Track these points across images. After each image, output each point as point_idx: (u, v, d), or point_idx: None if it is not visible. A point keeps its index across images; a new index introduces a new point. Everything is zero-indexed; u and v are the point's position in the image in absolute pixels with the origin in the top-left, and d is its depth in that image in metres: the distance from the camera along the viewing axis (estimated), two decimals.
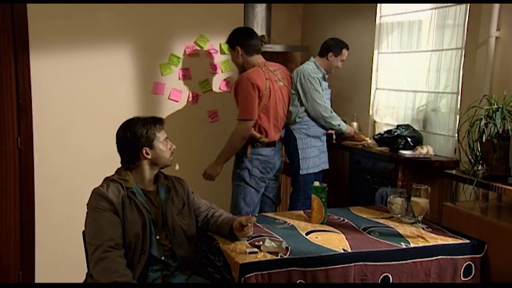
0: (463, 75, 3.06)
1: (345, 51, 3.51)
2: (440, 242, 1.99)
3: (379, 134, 3.55)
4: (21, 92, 2.73)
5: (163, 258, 1.93)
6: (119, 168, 2.01)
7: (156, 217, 1.96)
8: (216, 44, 3.14)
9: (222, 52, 3.16)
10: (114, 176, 1.98)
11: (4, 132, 2.73)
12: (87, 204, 1.90)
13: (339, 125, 3.49)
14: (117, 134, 1.99)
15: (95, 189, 1.91)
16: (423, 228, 2.14)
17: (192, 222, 2.05)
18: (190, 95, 3.10)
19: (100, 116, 2.89)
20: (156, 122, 2.00)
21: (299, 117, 3.39)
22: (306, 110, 3.39)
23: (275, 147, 3.01)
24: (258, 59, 2.93)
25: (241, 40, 2.90)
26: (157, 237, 1.93)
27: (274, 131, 2.97)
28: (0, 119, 2.72)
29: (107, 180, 1.95)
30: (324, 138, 3.51)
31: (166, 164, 2.02)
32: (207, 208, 2.14)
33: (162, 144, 1.98)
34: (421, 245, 1.96)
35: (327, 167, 3.46)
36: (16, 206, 2.79)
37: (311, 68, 3.44)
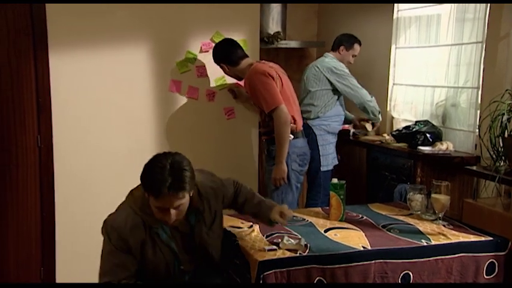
0: (483, 69, 3.01)
1: (356, 46, 3.50)
2: (462, 239, 1.96)
3: (397, 130, 3.51)
4: (41, 91, 2.76)
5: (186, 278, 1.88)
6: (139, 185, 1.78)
7: (183, 244, 1.81)
8: None
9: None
10: (138, 202, 1.74)
11: (24, 130, 2.77)
12: (101, 229, 1.76)
13: (379, 113, 3.48)
14: None
15: (109, 219, 1.74)
16: (444, 225, 2.11)
17: (221, 229, 1.97)
18: (206, 92, 3.10)
19: (118, 113, 2.91)
20: (157, 189, 1.62)
21: (321, 113, 3.38)
22: (338, 102, 3.41)
23: (305, 138, 3.02)
24: (247, 62, 2.92)
25: (222, 57, 2.90)
26: (182, 267, 1.83)
27: (299, 117, 2.98)
28: (20, 118, 2.76)
29: (127, 205, 1.76)
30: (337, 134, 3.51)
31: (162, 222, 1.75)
32: (234, 194, 2.04)
33: (155, 208, 1.69)
34: (442, 242, 1.93)
35: (337, 162, 3.46)
36: (37, 203, 2.83)
37: (335, 60, 3.44)
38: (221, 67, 2.96)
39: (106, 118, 2.90)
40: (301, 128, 3.00)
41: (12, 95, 2.74)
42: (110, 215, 1.80)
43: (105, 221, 1.78)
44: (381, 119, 3.53)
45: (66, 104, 2.82)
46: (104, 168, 2.88)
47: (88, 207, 2.84)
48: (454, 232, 2.04)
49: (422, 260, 1.86)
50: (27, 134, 2.77)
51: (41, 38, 2.72)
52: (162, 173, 1.64)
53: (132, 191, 1.84)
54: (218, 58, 2.93)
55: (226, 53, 2.90)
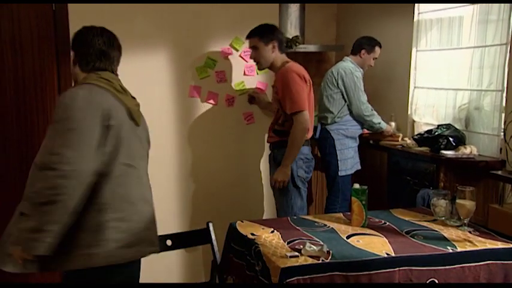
0: (508, 72, 2.94)
1: (377, 49, 3.47)
2: (489, 246, 1.91)
3: (419, 133, 3.46)
4: None
5: None
6: None
7: None
8: None
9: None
10: None
11: None
12: None
13: (379, 123, 3.45)
14: None
15: None
16: (470, 232, 2.06)
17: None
18: (226, 97, 3.10)
19: None
20: None
21: (338, 117, 3.35)
22: (348, 108, 3.36)
23: (310, 147, 2.97)
24: (284, 57, 2.87)
25: (277, 36, 2.82)
26: None
27: (311, 126, 2.93)
28: (44, 124, 2.79)
29: None
30: (358, 138, 3.47)
31: None
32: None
33: None
34: (468, 249, 1.88)
35: (359, 167, 3.42)
36: None
37: (352, 66, 3.41)
38: (266, 44, 2.78)
39: None
40: (309, 137, 2.93)
41: (36, 101, 2.78)
42: None
43: None
44: (383, 127, 3.50)
45: None
46: None
47: None
48: (480, 239, 1.98)
49: (448, 267, 1.81)
50: None
51: (63, 44, 2.76)
52: None
53: None
54: (272, 34, 2.78)
55: (282, 36, 2.84)
